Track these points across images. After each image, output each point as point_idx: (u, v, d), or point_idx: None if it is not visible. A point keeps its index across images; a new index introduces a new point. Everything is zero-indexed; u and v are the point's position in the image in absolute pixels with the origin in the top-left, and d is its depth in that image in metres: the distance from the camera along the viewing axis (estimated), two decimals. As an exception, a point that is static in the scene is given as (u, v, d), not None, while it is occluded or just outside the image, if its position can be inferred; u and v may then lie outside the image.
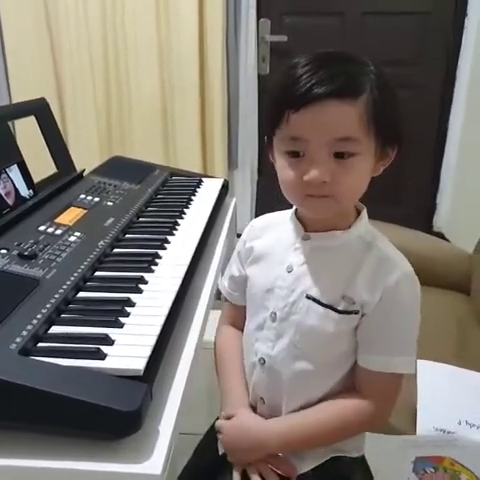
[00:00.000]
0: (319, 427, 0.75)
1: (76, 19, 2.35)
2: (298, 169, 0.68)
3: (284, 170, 0.70)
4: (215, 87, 2.44)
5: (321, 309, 0.73)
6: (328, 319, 0.72)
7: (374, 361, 0.73)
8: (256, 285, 0.81)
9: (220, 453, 0.82)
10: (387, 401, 0.76)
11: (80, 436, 0.59)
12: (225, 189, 1.35)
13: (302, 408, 0.77)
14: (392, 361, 0.73)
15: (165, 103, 2.48)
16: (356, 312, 0.72)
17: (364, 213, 0.77)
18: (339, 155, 0.66)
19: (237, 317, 0.89)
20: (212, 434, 0.88)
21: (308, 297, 0.73)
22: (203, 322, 0.85)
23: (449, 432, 1.04)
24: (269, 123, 0.71)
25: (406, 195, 2.55)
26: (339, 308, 0.72)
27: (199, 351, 0.80)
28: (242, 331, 0.87)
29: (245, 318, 0.86)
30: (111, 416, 0.56)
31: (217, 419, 0.89)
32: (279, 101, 0.68)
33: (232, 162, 2.59)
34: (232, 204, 1.38)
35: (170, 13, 2.34)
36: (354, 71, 0.67)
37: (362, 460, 0.84)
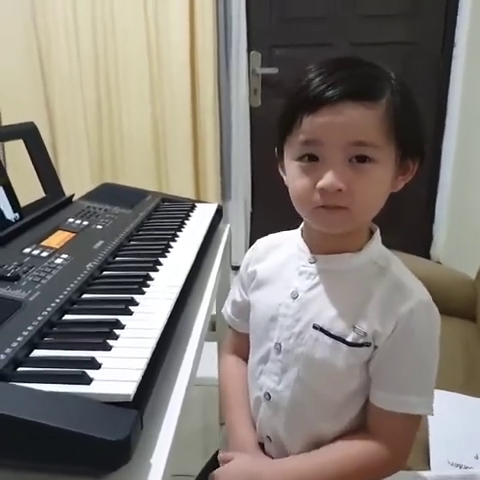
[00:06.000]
0: (331, 469, 0.67)
1: (67, 46, 2.36)
2: (311, 176, 0.62)
3: (295, 178, 0.64)
4: (207, 120, 2.44)
5: (330, 341, 0.65)
6: (337, 352, 0.65)
7: (386, 399, 0.65)
8: (259, 313, 0.74)
9: None
10: (402, 444, 0.68)
11: (62, 471, 0.52)
12: (219, 214, 1.32)
13: (310, 449, 0.70)
14: (406, 400, 0.65)
15: (157, 135, 2.48)
16: (368, 344, 0.64)
17: (377, 234, 0.70)
18: (356, 160, 0.61)
19: (241, 345, 0.82)
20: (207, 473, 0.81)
21: (315, 327, 0.66)
22: (199, 345, 0.79)
23: (466, 467, 0.97)
24: (280, 131, 0.66)
25: (402, 225, 2.53)
26: (348, 340, 0.64)
27: (194, 378, 0.74)
28: (247, 360, 0.80)
29: (249, 347, 0.79)
30: (97, 446, 0.50)
31: (216, 454, 0.81)
32: (291, 105, 0.63)
33: (225, 193, 2.58)
34: (226, 230, 1.34)
35: (162, 45, 2.36)
36: (374, 74, 0.62)
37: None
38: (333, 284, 0.68)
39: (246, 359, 0.80)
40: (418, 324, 0.64)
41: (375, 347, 0.65)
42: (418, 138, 0.66)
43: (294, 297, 0.69)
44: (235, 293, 0.83)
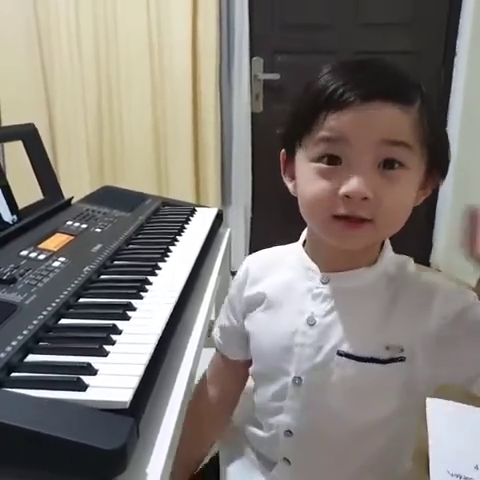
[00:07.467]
0: None
1: (69, 49, 2.35)
2: (332, 180, 0.54)
3: (310, 181, 0.56)
4: (208, 124, 2.43)
5: (359, 365, 0.59)
6: (369, 375, 0.59)
7: None
8: (266, 341, 0.67)
9: None
10: None
11: (54, 480, 0.51)
12: (219, 219, 1.31)
13: (343, 472, 0.66)
14: None
15: (158, 139, 2.47)
16: (402, 359, 0.59)
17: (388, 243, 0.65)
18: (387, 164, 0.54)
19: (226, 373, 0.78)
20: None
21: (340, 354, 0.60)
22: (197, 351, 0.78)
23: (466, 478, 0.95)
24: (294, 131, 0.59)
25: (402, 232, 2.52)
26: (382, 358, 0.59)
27: (192, 384, 0.73)
28: (227, 390, 0.77)
29: (235, 374, 0.75)
30: (91, 455, 0.49)
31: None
32: (312, 102, 0.55)
33: (225, 198, 2.57)
34: (226, 235, 1.33)
35: (164, 49, 2.36)
36: (404, 77, 0.57)
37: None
38: (352, 304, 0.62)
39: (228, 389, 0.77)
40: (456, 309, 0.58)
41: (411, 364, 0.60)
42: (446, 154, 0.60)
43: (311, 324, 0.62)
44: (221, 318, 0.78)
